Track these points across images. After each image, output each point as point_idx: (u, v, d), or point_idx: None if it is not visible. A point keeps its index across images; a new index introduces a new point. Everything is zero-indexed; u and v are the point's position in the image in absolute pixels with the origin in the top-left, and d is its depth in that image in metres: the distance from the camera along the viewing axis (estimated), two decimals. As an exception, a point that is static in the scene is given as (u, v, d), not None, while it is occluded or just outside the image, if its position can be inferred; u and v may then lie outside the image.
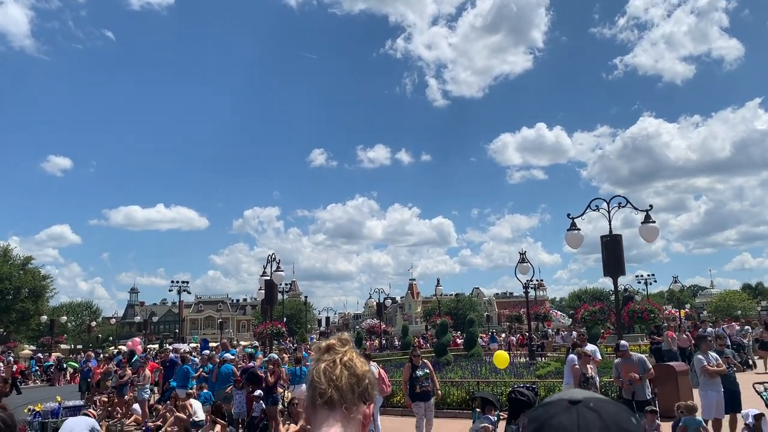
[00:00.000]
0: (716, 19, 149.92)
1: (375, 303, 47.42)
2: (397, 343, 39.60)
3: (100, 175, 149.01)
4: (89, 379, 23.02)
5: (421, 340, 38.84)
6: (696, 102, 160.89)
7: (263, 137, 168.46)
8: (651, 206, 15.60)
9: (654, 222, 15.50)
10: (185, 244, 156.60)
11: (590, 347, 14.13)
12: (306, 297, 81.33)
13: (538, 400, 11.60)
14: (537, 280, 71.54)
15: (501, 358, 12.37)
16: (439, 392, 12.97)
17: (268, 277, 24.69)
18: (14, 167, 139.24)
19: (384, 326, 43.67)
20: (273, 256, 24.61)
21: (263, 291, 33.20)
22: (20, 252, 52.73)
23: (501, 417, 11.64)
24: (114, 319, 74.82)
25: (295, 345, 36.31)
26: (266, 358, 14.77)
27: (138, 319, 75.73)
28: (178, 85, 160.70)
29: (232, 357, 17.57)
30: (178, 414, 15.09)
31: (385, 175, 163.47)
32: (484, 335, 40.67)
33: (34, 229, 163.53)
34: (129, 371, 18.21)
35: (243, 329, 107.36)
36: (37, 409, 10.83)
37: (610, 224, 15.68)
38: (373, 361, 13.89)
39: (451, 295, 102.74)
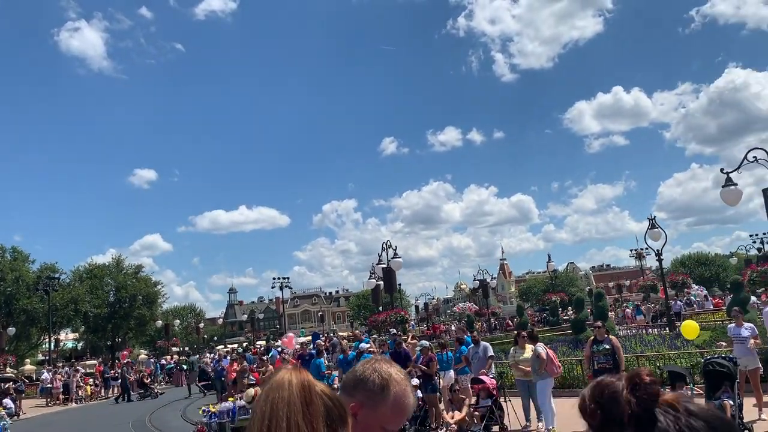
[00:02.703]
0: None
1: (467, 286, 46.42)
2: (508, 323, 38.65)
3: (184, 183, 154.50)
4: (223, 378, 23.43)
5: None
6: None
7: (333, 131, 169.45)
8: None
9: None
10: (270, 243, 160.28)
11: None
12: (400, 285, 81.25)
13: (737, 370, 10.53)
14: (640, 249, 68.57)
15: (690, 328, 11.18)
16: (624, 373, 11.83)
17: (385, 265, 24.33)
18: (103, 183, 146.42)
19: (492, 308, 42.68)
20: (388, 243, 24.23)
21: (375, 279, 33.09)
22: (131, 262, 55.21)
23: (695, 392, 10.67)
24: (221, 320, 77.26)
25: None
26: (419, 347, 14.27)
27: (244, 317, 77.92)
28: (247, 88, 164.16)
29: (368, 345, 17.25)
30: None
31: (458, 157, 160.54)
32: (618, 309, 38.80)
33: (127, 240, 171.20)
34: (271, 368, 18.26)
35: (339, 321, 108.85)
36: (213, 410, 10.72)
37: (773, 175, 14.15)
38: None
39: (545, 272, 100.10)
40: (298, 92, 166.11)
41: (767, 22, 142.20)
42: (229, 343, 70.10)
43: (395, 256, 23.52)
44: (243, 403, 10.76)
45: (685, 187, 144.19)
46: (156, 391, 32.16)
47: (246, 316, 78.14)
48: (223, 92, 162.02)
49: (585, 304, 24.58)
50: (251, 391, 9.65)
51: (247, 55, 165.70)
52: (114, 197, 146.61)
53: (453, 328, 47.15)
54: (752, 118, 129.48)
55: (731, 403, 9.68)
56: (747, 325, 12.42)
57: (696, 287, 34.59)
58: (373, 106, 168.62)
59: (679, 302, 36.52)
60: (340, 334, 54.09)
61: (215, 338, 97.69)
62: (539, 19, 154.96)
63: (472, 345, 13.88)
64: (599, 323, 12.23)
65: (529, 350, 12.31)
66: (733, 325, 12.57)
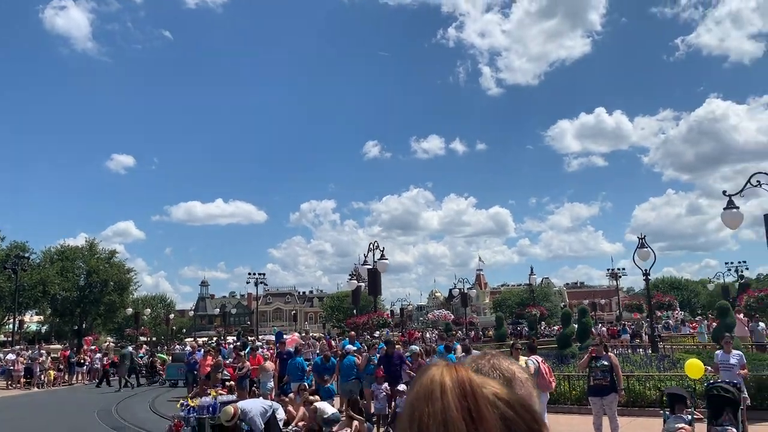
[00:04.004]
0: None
1: (441, 295, 45.96)
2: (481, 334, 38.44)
3: (162, 171, 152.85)
4: (195, 372, 22.69)
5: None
6: (766, 82, 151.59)
7: (317, 130, 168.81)
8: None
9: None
10: (244, 238, 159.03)
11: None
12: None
13: (741, 397, 10.20)
14: (615, 269, 68.92)
15: (696, 367, 10.79)
16: (622, 391, 11.49)
17: (371, 266, 23.81)
18: (79, 167, 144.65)
19: (470, 317, 42.39)
20: (375, 244, 23.72)
21: (356, 280, 32.58)
22: (105, 246, 53.83)
23: (695, 416, 10.31)
24: (191, 312, 76.04)
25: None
26: (408, 352, 13.79)
27: (215, 311, 76.79)
28: (233, 81, 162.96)
29: (355, 349, 16.69)
30: (311, 408, 14.32)
31: (440, 166, 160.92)
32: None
33: (100, 226, 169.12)
34: (249, 363, 17.63)
35: (311, 321, 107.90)
36: (192, 404, 10.10)
37: (776, 201, 13.92)
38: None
39: (521, 285, 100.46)
40: (284, 88, 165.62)
41: (749, 56, 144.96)
42: (198, 337, 68.90)
43: (382, 257, 23.01)
44: (226, 398, 10.17)
45: (659, 212, 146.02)
46: (164, 377, 30.99)
47: (218, 310, 76.97)
48: (209, 83, 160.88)
49: (572, 320, 24.31)
50: (230, 409, 9.03)
51: (236, 48, 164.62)
52: (89, 181, 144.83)
53: (428, 335, 46.88)
54: (728, 149, 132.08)
55: (734, 431, 9.36)
56: (735, 352, 12.12)
57: (678, 311, 34.78)
58: (358, 108, 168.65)
59: (656, 325, 36.53)
60: (312, 334, 53.39)
61: (184, 330, 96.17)
62: (528, 36, 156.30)
63: (463, 354, 13.45)
64: (598, 340, 11.86)
65: (522, 362, 11.89)
66: (721, 351, 12.27)
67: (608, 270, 65.01)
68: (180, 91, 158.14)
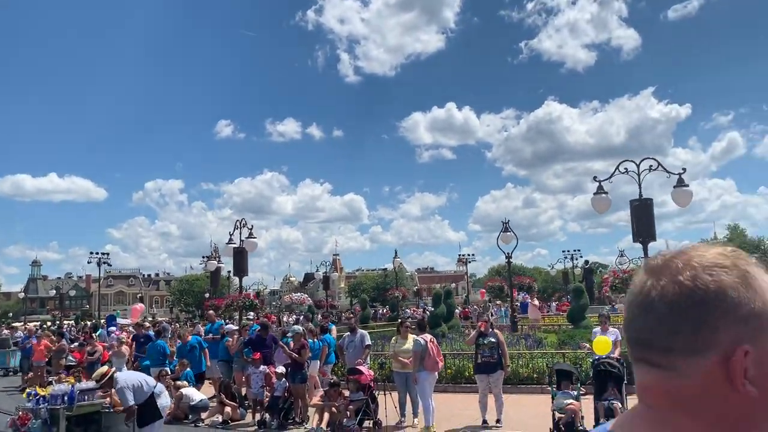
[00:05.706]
0: (616, 8, 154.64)
1: (295, 279, 45.44)
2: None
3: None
4: (31, 358, 20.12)
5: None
6: (596, 89, 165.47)
7: (166, 105, 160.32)
8: (684, 169, 14.76)
9: (687, 186, 14.69)
10: (81, 217, 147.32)
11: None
12: (230, 272, 77.65)
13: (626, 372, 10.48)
14: (463, 255, 71.99)
15: (603, 344, 11.00)
16: (508, 368, 11.60)
17: (236, 245, 22.44)
18: None
19: (330, 301, 42.09)
20: (243, 222, 22.38)
21: (215, 261, 30.94)
22: None
23: (582, 391, 10.50)
24: (22, 294, 68.88)
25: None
26: (290, 333, 12.95)
27: (51, 293, 70.11)
28: (74, 46, 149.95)
29: (236, 328, 15.54)
30: (176, 394, 13.04)
31: (296, 150, 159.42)
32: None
33: None
34: (101, 347, 15.77)
35: (157, 305, 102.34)
36: (43, 394, 8.56)
37: (640, 187, 14.69)
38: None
39: (376, 270, 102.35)
40: (132, 56, 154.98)
41: (582, 64, 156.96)
42: (29, 321, 62.60)
43: (250, 236, 21.74)
44: (84, 386, 8.74)
45: (498, 204, 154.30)
46: None
47: (54, 291, 70.40)
48: (44, 43, 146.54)
49: (441, 300, 24.69)
50: (104, 368, 7.77)
51: (79, 11, 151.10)
52: None
53: (285, 319, 46.10)
54: (561, 148, 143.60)
55: (620, 405, 9.59)
56: (612, 330, 12.68)
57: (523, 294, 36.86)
58: (210, 86, 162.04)
59: (500, 308, 38.42)
60: (159, 318, 50.34)
61: (11, 314, 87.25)
62: (386, 26, 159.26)
63: (349, 333, 12.87)
64: (486, 317, 11.80)
65: (411, 341, 11.54)
66: (599, 329, 12.79)
67: (459, 255, 68.02)
68: (10, 52, 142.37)
